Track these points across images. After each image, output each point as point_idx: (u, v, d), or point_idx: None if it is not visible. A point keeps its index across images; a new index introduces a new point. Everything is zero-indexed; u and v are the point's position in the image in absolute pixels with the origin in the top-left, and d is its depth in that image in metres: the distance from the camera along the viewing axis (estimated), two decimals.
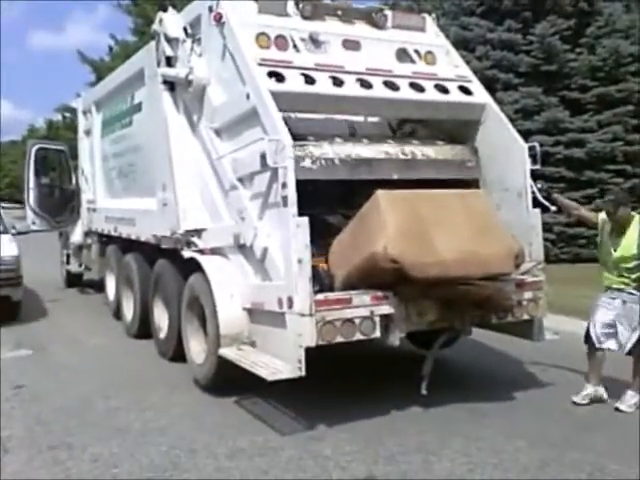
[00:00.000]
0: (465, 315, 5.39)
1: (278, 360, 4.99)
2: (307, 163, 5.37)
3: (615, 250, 5.43)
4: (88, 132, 10.81)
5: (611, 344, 5.43)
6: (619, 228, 5.46)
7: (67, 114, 41.09)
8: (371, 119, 6.84)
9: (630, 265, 5.34)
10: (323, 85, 5.62)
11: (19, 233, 10.39)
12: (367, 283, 5.11)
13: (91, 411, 5.53)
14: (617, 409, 5.35)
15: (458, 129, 6.40)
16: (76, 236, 11.65)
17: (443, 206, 5.37)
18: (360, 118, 6.66)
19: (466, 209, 5.44)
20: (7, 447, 4.75)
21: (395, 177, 5.70)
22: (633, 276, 5.35)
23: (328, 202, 5.78)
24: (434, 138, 6.39)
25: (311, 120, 6.15)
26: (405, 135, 6.75)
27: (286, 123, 5.07)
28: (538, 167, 5.96)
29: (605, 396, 5.53)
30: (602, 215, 5.67)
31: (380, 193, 5.24)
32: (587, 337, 5.53)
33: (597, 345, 5.47)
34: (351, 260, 5.20)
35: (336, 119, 6.42)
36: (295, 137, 5.09)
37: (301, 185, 4.93)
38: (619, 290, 5.41)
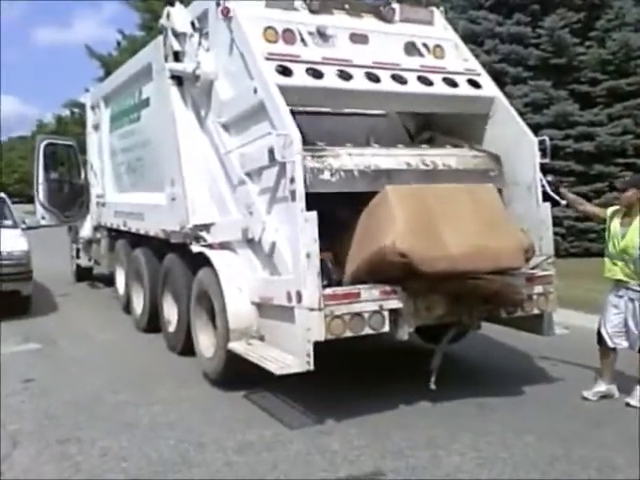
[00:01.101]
0: (474, 309, 5.38)
1: (287, 354, 4.99)
2: (326, 175, 5.25)
3: (622, 239, 5.39)
4: (97, 127, 10.86)
5: (623, 343, 5.43)
6: (625, 215, 5.43)
7: (75, 109, 41.32)
8: (389, 126, 6.78)
9: (634, 256, 5.30)
10: (331, 79, 5.60)
11: (29, 228, 10.50)
12: (376, 277, 5.09)
13: (100, 405, 5.55)
14: (627, 404, 5.33)
15: (472, 129, 6.32)
16: (85, 231, 11.71)
17: (452, 200, 5.35)
18: (377, 124, 6.61)
19: (475, 203, 5.41)
20: (16, 441, 4.78)
21: None
22: (637, 268, 5.31)
23: (337, 196, 5.76)
24: (453, 144, 6.30)
25: (328, 123, 6.12)
26: (423, 142, 6.67)
27: (300, 128, 5.00)
28: (547, 161, 5.93)
29: (617, 395, 5.50)
30: (611, 208, 5.67)
31: (389, 188, 5.24)
32: (599, 336, 5.51)
33: (610, 345, 5.45)
34: (360, 254, 5.19)
35: (353, 123, 6.39)
36: (308, 143, 5.05)
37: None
38: (624, 284, 5.36)
